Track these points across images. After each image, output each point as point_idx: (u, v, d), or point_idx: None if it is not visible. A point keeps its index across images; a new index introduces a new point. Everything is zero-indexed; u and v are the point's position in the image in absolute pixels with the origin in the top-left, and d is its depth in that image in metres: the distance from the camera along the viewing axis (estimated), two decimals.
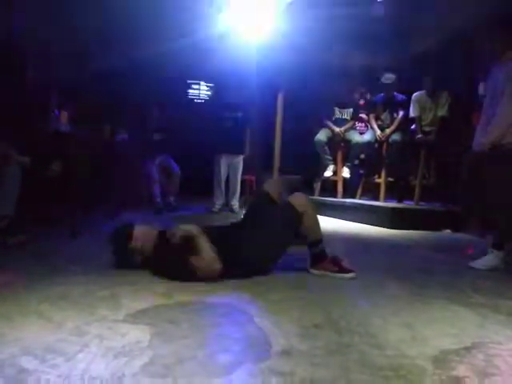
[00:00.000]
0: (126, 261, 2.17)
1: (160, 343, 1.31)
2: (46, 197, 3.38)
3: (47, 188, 3.39)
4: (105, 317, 1.51)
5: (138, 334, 1.37)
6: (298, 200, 2.29)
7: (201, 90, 7.50)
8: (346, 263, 2.33)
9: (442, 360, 1.30)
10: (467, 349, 1.40)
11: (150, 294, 1.81)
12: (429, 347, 1.39)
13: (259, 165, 6.64)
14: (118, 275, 2.08)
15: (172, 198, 5.25)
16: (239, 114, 5.21)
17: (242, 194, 5.54)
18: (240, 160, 5.29)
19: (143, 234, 2.16)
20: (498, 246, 2.75)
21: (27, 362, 1.15)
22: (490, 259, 2.73)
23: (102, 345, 1.28)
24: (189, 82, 7.42)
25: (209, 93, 7.30)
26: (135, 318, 1.52)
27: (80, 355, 1.21)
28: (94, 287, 1.86)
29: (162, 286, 1.93)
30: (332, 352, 1.32)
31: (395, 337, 1.48)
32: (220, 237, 2.19)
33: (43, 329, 1.38)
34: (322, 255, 2.32)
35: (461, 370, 1.24)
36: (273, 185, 2.56)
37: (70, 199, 3.01)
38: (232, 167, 5.27)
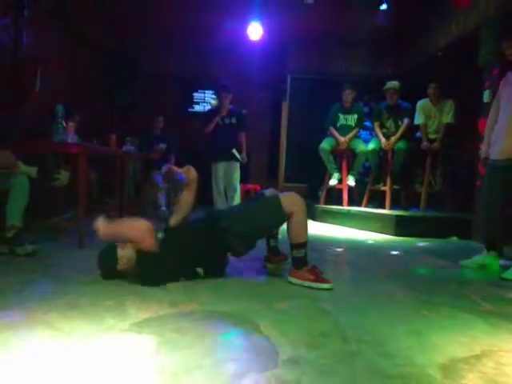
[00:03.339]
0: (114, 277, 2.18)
1: (166, 352, 1.31)
2: (54, 207, 3.41)
3: (55, 198, 3.42)
4: (112, 326, 1.52)
5: (144, 343, 1.37)
6: (288, 199, 2.24)
7: (206, 94, 7.54)
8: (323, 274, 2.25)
9: (451, 368, 1.29)
10: (477, 357, 1.38)
11: (155, 303, 1.81)
12: (438, 355, 1.38)
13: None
14: (125, 285, 2.08)
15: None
16: (233, 120, 5.01)
17: None
18: (236, 166, 5.01)
19: (127, 257, 2.13)
20: None
21: (35, 373, 1.15)
22: None
23: (108, 354, 1.28)
24: (195, 87, 7.52)
25: (214, 96, 7.33)
26: (141, 327, 1.52)
27: (87, 364, 1.21)
28: (101, 297, 1.87)
29: (167, 295, 1.94)
30: (339, 360, 1.31)
31: (403, 345, 1.46)
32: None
33: (50, 339, 1.39)
34: (303, 260, 2.23)
35: (470, 379, 1.22)
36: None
37: (77, 209, 3.03)
38: (229, 175, 5.00)
